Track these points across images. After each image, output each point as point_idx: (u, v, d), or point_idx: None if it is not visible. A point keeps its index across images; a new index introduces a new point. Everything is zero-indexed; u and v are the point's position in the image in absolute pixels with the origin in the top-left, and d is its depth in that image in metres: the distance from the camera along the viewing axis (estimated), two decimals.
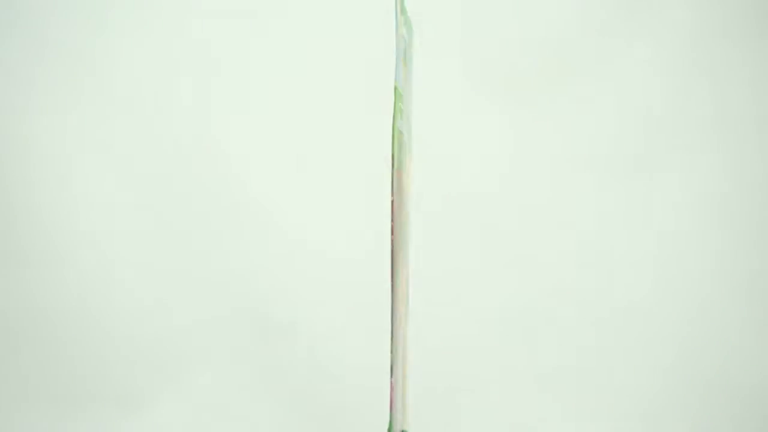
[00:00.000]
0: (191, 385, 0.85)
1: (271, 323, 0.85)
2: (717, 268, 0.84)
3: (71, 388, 0.84)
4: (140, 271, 0.86)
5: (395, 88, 0.48)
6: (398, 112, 0.47)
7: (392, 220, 0.47)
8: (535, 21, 0.87)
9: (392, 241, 0.47)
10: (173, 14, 0.86)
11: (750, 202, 0.84)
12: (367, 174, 0.79)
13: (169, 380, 0.84)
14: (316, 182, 0.84)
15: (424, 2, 0.62)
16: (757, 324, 0.82)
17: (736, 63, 0.85)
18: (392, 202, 0.47)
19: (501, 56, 0.86)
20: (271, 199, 0.85)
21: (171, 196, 0.86)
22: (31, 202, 0.84)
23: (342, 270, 0.84)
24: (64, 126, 0.85)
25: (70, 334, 0.84)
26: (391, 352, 0.47)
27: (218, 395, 0.83)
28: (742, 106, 0.84)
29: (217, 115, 0.85)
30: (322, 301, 0.83)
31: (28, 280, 0.84)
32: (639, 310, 0.85)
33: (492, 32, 0.85)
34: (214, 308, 0.85)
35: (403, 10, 0.48)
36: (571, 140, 0.86)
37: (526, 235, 0.84)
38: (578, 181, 0.86)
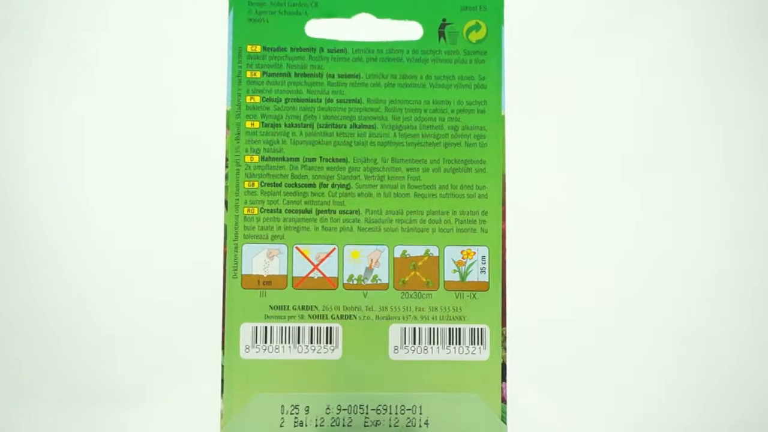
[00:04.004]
0: (190, 384, 0.72)
1: None
2: (723, 269, 0.77)
3: (68, 388, 0.74)
4: (139, 269, 0.74)
5: (502, 116, 0.53)
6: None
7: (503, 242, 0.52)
8: (536, 22, 0.76)
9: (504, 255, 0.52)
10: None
11: (758, 203, 0.78)
12: None
13: (169, 379, 0.73)
14: None
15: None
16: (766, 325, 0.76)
17: (744, 61, 0.79)
18: (504, 210, 0.52)
19: (523, 50, 0.63)
20: None
21: (172, 195, 0.74)
22: (29, 201, 0.76)
23: None
24: (63, 125, 0.76)
25: (68, 333, 0.74)
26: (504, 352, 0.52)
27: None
28: (752, 107, 0.78)
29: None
30: None
31: (25, 279, 0.75)
32: (644, 311, 0.77)
33: (514, 24, 0.59)
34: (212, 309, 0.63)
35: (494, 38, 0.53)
36: (575, 140, 0.77)
37: (531, 235, 0.69)
38: (581, 181, 0.77)
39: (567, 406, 0.71)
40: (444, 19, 0.53)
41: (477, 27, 0.53)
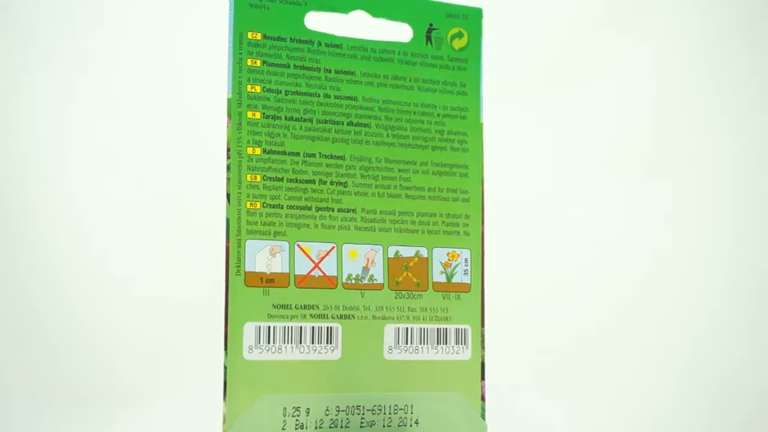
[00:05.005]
0: (190, 383, 0.72)
1: None
2: (724, 270, 0.84)
3: (67, 388, 0.73)
4: (138, 269, 0.74)
5: (481, 124, 0.55)
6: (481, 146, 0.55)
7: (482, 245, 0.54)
8: (537, 22, 0.83)
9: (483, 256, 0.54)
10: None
11: (760, 203, 0.84)
12: None
13: (168, 379, 0.73)
14: None
15: None
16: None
17: (744, 63, 0.85)
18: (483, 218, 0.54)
19: (502, 58, 0.75)
20: None
21: (171, 194, 0.75)
22: (27, 197, 0.75)
23: None
24: (63, 125, 0.75)
25: (68, 333, 0.73)
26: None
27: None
28: (750, 107, 0.84)
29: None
30: None
31: (25, 279, 0.74)
32: (644, 311, 0.82)
33: (492, 34, 0.56)
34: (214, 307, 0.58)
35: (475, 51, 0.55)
36: (576, 141, 0.83)
37: (532, 236, 0.81)
38: (581, 182, 0.83)
39: (544, 404, 0.74)
40: (431, 24, 0.54)
41: (460, 35, 0.54)
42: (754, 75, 0.86)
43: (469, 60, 0.54)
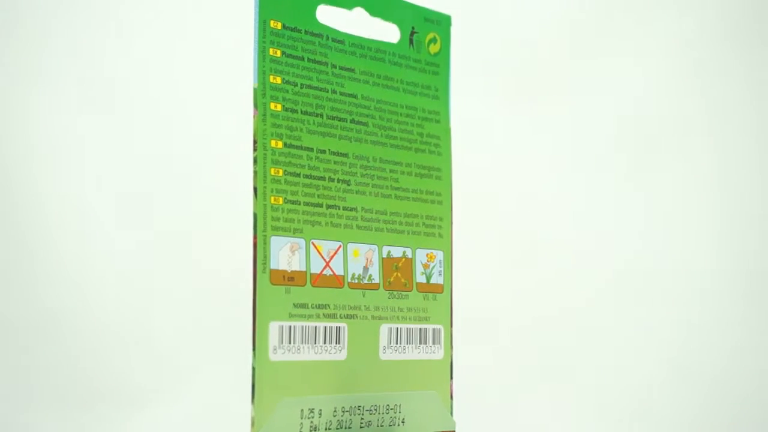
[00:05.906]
0: (192, 384, 0.74)
1: None
2: (716, 269, 0.85)
3: (71, 388, 0.74)
4: (140, 269, 0.77)
5: (450, 129, 0.56)
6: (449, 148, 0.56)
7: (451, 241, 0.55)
8: (535, 22, 0.84)
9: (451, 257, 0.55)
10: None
11: (749, 203, 0.84)
12: None
13: (171, 379, 0.75)
14: None
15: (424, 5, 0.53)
16: (756, 324, 0.82)
17: (738, 64, 0.85)
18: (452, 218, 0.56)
19: (499, 57, 0.83)
20: None
21: (173, 194, 0.77)
22: (30, 201, 0.76)
23: None
24: (64, 125, 0.77)
25: (70, 333, 0.75)
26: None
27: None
28: (741, 107, 0.84)
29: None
30: None
31: (28, 279, 0.76)
32: (638, 309, 0.84)
33: (490, 33, 0.80)
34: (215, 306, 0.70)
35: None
36: (571, 141, 0.85)
37: (527, 235, 0.83)
38: (577, 181, 0.84)
39: (516, 402, 0.73)
40: (413, 27, 0.54)
41: (434, 40, 0.55)
42: (732, 76, 0.88)
43: (440, 65, 0.55)
